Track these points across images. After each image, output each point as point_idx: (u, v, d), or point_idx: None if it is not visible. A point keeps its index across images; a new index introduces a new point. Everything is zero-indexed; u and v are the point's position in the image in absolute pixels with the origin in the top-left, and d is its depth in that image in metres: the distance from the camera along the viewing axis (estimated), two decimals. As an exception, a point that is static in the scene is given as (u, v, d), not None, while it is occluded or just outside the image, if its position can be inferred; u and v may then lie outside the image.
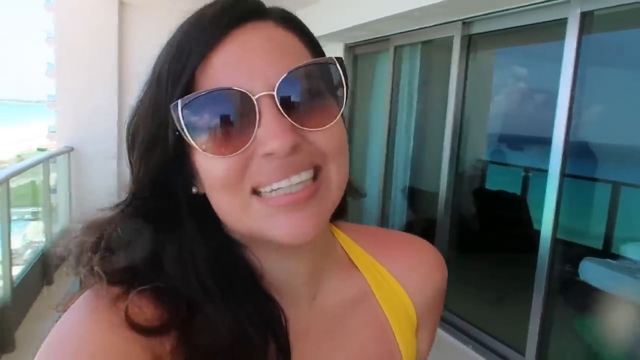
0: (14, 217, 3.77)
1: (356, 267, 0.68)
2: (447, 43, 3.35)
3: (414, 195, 4.19)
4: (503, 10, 2.89)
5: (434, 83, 3.87)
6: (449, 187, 3.41)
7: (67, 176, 5.48)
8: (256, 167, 0.49)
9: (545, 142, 2.59)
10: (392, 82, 4.06)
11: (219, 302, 0.53)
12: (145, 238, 0.54)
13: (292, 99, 0.49)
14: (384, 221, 4.30)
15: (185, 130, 0.49)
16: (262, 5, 0.55)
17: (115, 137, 5.40)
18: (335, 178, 0.53)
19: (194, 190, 0.55)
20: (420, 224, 4.15)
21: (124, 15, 5.50)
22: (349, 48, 4.74)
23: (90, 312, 0.50)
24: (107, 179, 5.20)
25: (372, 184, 4.42)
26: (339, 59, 0.53)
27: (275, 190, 0.50)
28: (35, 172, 4.81)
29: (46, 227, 4.83)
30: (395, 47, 4.02)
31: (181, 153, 0.52)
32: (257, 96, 0.48)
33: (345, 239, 0.70)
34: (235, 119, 0.49)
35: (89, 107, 5.42)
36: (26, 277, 3.87)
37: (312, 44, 0.56)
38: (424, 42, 3.80)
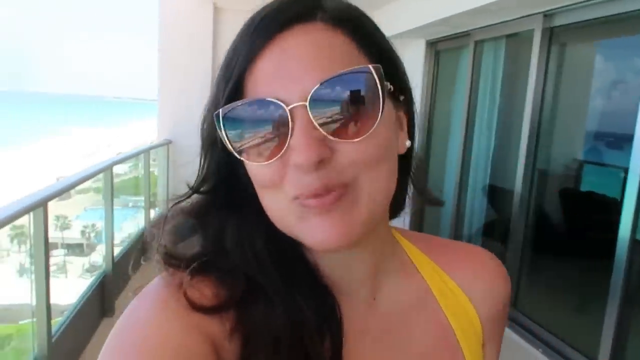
0: (120, 205, 4.26)
1: (419, 272, 0.67)
2: (528, 37, 3.25)
3: (494, 194, 4.08)
4: (587, 0, 2.75)
5: (515, 79, 3.75)
6: (525, 186, 3.30)
7: (165, 167, 6.02)
8: (290, 175, 0.50)
9: None
10: (472, 78, 3.99)
11: (277, 284, 0.55)
12: (209, 224, 0.58)
13: (325, 110, 0.48)
14: (458, 220, 4.24)
15: (225, 137, 0.51)
16: (313, 5, 0.53)
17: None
18: (368, 189, 0.51)
19: (250, 190, 0.56)
20: (501, 224, 4.04)
21: (218, 19, 5.92)
22: (431, 44, 4.71)
23: (156, 300, 0.53)
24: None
25: (449, 183, 4.37)
26: (375, 68, 0.50)
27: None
28: (139, 165, 5.34)
29: (146, 214, 5.37)
30: (475, 42, 3.95)
31: (234, 157, 0.54)
32: (290, 107, 0.48)
33: (407, 244, 0.70)
34: (270, 129, 0.50)
35: (185, 104, 5.89)
36: (126, 254, 4.36)
37: (368, 44, 0.53)
38: (504, 37, 3.69)
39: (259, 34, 0.51)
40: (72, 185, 3.37)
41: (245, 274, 0.55)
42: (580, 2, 2.80)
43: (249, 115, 0.50)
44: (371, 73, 0.50)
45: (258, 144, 0.50)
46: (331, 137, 0.49)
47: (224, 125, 0.51)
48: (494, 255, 0.73)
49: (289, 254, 0.58)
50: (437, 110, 4.76)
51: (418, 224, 4.90)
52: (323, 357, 0.54)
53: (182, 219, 0.59)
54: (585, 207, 4.05)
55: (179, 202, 0.59)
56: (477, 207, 4.19)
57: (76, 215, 6.94)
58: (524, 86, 3.29)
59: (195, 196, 0.59)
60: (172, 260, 0.57)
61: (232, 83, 0.51)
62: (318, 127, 0.48)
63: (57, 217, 6.03)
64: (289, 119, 0.48)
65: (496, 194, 4.06)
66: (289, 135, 0.48)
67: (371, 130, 0.50)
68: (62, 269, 5.55)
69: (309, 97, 0.48)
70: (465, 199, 4.21)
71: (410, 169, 0.64)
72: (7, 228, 2.48)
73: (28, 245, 2.69)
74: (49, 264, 2.71)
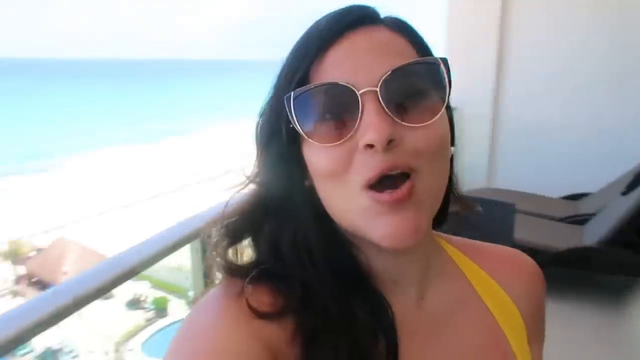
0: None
1: (462, 273, 0.69)
2: None
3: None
4: None
5: None
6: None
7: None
8: (358, 159, 0.52)
9: None
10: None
11: (332, 289, 0.56)
12: (263, 225, 0.60)
13: (394, 95, 0.52)
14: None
15: (295, 119, 0.54)
16: (377, 13, 0.59)
17: (490, 103, 5.19)
18: (432, 181, 0.54)
19: (306, 183, 0.59)
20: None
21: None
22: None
23: (217, 308, 0.56)
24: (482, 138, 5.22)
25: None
26: (444, 60, 0.55)
27: (380, 184, 0.52)
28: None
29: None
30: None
31: (295, 144, 0.57)
32: (361, 91, 0.51)
33: (449, 246, 0.72)
34: (339, 112, 0.53)
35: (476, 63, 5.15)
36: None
37: (421, 47, 0.58)
38: None
39: (330, 29, 0.56)
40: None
41: (301, 280, 0.57)
42: None
43: (320, 98, 0.54)
44: (439, 65, 0.55)
45: (328, 127, 0.53)
46: (400, 122, 0.52)
47: (294, 108, 0.54)
48: (528, 256, 0.77)
49: (343, 256, 0.60)
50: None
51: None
52: (379, 358, 0.55)
53: (237, 220, 0.62)
54: None
55: (235, 193, 0.62)
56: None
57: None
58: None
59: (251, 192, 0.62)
60: (231, 270, 0.59)
61: (299, 73, 0.56)
62: (387, 111, 0.51)
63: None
64: (360, 103, 0.52)
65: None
66: (359, 118, 0.52)
67: (437, 117, 0.53)
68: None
69: (379, 83, 0.51)
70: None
71: (452, 176, 0.65)
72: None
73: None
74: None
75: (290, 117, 0.55)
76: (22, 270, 18.45)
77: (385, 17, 0.60)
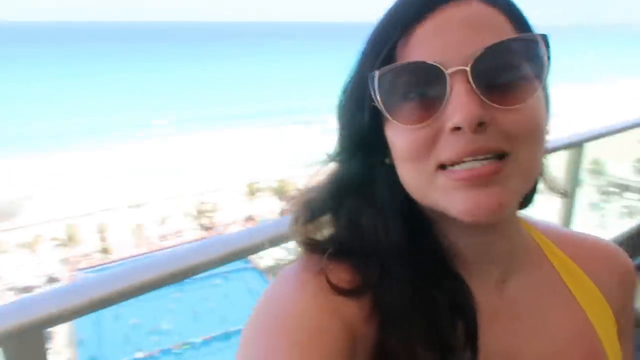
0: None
1: (548, 259, 0.67)
2: None
3: None
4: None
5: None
6: None
7: None
8: (443, 142, 0.50)
9: None
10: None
11: (411, 269, 0.55)
12: (343, 202, 0.59)
13: (485, 75, 0.49)
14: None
15: (378, 99, 0.52)
16: None
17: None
18: (524, 164, 0.51)
19: (387, 161, 0.57)
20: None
21: None
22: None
23: (296, 282, 0.56)
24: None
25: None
26: (543, 36, 0.51)
27: (459, 164, 0.50)
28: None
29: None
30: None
31: (377, 123, 0.55)
32: (449, 70, 0.49)
33: (534, 231, 0.69)
34: (426, 92, 0.51)
35: None
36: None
37: (519, 21, 0.54)
38: None
39: (417, 6, 0.52)
40: (611, 132, 2.83)
41: (379, 257, 0.56)
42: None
43: (405, 78, 0.52)
44: (538, 42, 0.51)
45: (413, 107, 0.51)
46: (491, 103, 0.49)
47: (378, 87, 0.52)
48: (622, 250, 0.72)
49: (423, 235, 0.58)
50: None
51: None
52: (458, 341, 0.54)
53: (317, 195, 0.61)
54: None
55: (316, 171, 0.62)
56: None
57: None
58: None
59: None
60: (310, 245, 0.59)
61: (385, 50, 0.53)
62: (477, 92, 0.49)
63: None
64: (448, 83, 0.49)
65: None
66: (446, 99, 0.49)
67: (532, 98, 0.50)
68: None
69: (470, 62, 0.48)
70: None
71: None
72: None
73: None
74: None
75: (373, 96, 0.53)
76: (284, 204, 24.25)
77: None
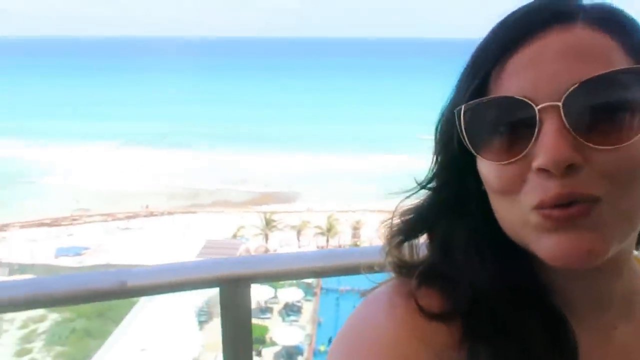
0: None
1: None
2: None
3: None
4: None
5: None
6: None
7: None
8: (532, 182, 0.47)
9: None
10: None
11: (505, 300, 0.53)
12: (437, 226, 0.59)
13: (581, 112, 0.45)
14: None
15: (464, 135, 0.51)
16: (578, 6, 0.51)
17: None
18: (624, 209, 0.47)
19: (483, 188, 0.55)
20: None
21: None
22: None
23: (385, 306, 0.55)
24: None
25: None
26: None
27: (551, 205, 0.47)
28: None
29: None
30: None
31: (468, 155, 0.53)
32: (540, 106, 0.46)
33: None
34: (514, 128, 0.48)
35: None
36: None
37: (634, 47, 0.49)
38: None
39: (514, 30, 0.50)
40: None
41: (472, 283, 0.54)
42: None
43: (492, 113, 0.49)
44: None
45: (499, 144, 0.49)
46: (585, 143, 0.45)
47: (463, 122, 0.51)
48: None
49: (519, 266, 0.55)
50: None
51: None
52: None
53: (411, 218, 0.61)
54: None
55: (407, 197, 0.61)
56: None
57: None
58: None
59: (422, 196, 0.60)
60: (401, 268, 0.59)
61: (478, 79, 0.51)
62: (570, 129, 0.45)
63: None
64: (537, 119, 0.46)
65: None
66: (535, 136, 0.46)
67: (634, 139, 0.45)
68: None
69: (563, 97, 0.45)
70: None
71: None
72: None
73: None
74: None
75: (459, 131, 0.51)
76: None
77: (589, 8, 0.50)
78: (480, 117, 0.51)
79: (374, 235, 33.21)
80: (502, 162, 0.49)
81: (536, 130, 0.46)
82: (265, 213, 35.34)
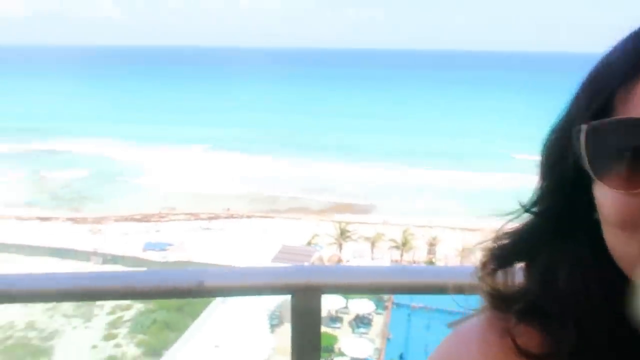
0: None
1: None
2: None
3: None
4: None
5: None
6: None
7: None
8: None
9: None
10: None
11: (614, 342, 0.49)
12: (539, 253, 0.54)
13: None
14: None
15: (585, 156, 0.47)
16: None
17: None
18: None
19: (595, 216, 0.51)
20: None
21: None
22: None
23: (479, 342, 0.52)
24: None
25: None
26: None
27: None
28: None
29: None
30: None
31: (583, 178, 0.49)
32: None
33: None
34: None
35: None
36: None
37: None
38: None
39: None
40: None
41: (576, 322, 0.50)
42: None
43: (620, 135, 0.45)
44: None
45: (626, 171, 0.45)
46: None
47: (584, 142, 0.47)
48: None
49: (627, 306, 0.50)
50: None
51: None
52: None
53: (509, 243, 0.57)
54: None
55: (508, 220, 0.57)
56: None
57: None
58: None
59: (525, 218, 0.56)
60: (496, 298, 0.55)
61: (602, 97, 0.48)
62: None
63: None
64: None
65: None
66: None
67: None
68: None
69: None
70: None
71: None
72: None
73: None
74: None
75: (578, 152, 0.47)
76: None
77: None
78: (605, 139, 0.46)
79: (450, 253, 32.39)
80: (629, 191, 0.44)
81: None
82: (340, 222, 35.47)
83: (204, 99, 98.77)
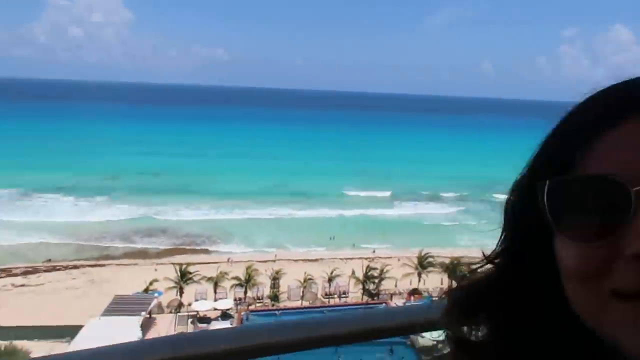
0: None
1: None
2: None
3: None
4: None
5: None
6: None
7: None
8: (622, 269, 0.44)
9: None
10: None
11: None
12: (501, 307, 0.55)
13: None
14: None
15: (547, 210, 0.48)
16: None
17: None
18: None
19: (555, 268, 0.51)
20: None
21: None
22: None
23: None
24: None
25: None
26: None
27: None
28: None
29: None
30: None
31: (544, 229, 0.50)
32: (636, 188, 0.43)
33: None
34: (604, 210, 0.45)
35: None
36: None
37: None
38: None
39: (609, 105, 0.48)
40: None
41: None
42: None
43: (581, 191, 0.47)
44: None
45: (587, 225, 0.46)
46: None
47: (548, 197, 0.48)
48: None
49: (598, 356, 0.51)
50: None
51: None
52: None
53: (474, 292, 0.57)
54: None
55: (473, 270, 0.58)
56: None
57: None
58: None
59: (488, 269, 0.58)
60: (460, 345, 0.56)
61: (565, 152, 0.49)
62: None
63: None
64: (632, 202, 0.43)
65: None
66: (629, 221, 0.43)
67: None
68: None
69: None
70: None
71: None
72: None
73: None
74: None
75: (541, 206, 0.49)
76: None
77: None
78: (567, 195, 0.48)
79: (293, 284, 32.97)
80: (588, 244, 0.45)
81: (630, 214, 0.43)
82: (180, 265, 33.83)
83: (28, 137, 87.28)
